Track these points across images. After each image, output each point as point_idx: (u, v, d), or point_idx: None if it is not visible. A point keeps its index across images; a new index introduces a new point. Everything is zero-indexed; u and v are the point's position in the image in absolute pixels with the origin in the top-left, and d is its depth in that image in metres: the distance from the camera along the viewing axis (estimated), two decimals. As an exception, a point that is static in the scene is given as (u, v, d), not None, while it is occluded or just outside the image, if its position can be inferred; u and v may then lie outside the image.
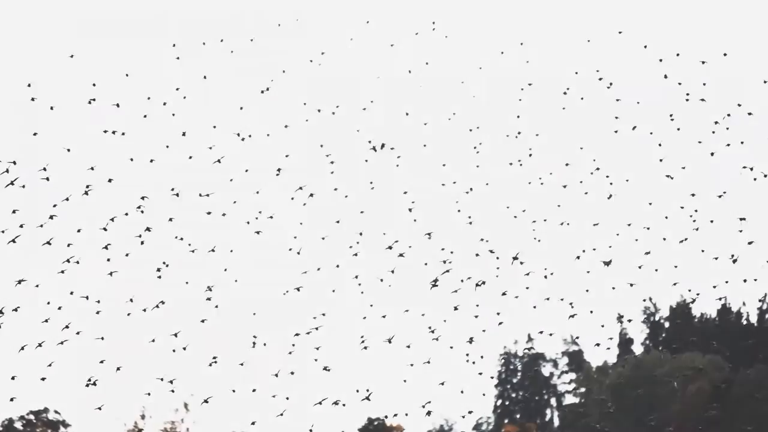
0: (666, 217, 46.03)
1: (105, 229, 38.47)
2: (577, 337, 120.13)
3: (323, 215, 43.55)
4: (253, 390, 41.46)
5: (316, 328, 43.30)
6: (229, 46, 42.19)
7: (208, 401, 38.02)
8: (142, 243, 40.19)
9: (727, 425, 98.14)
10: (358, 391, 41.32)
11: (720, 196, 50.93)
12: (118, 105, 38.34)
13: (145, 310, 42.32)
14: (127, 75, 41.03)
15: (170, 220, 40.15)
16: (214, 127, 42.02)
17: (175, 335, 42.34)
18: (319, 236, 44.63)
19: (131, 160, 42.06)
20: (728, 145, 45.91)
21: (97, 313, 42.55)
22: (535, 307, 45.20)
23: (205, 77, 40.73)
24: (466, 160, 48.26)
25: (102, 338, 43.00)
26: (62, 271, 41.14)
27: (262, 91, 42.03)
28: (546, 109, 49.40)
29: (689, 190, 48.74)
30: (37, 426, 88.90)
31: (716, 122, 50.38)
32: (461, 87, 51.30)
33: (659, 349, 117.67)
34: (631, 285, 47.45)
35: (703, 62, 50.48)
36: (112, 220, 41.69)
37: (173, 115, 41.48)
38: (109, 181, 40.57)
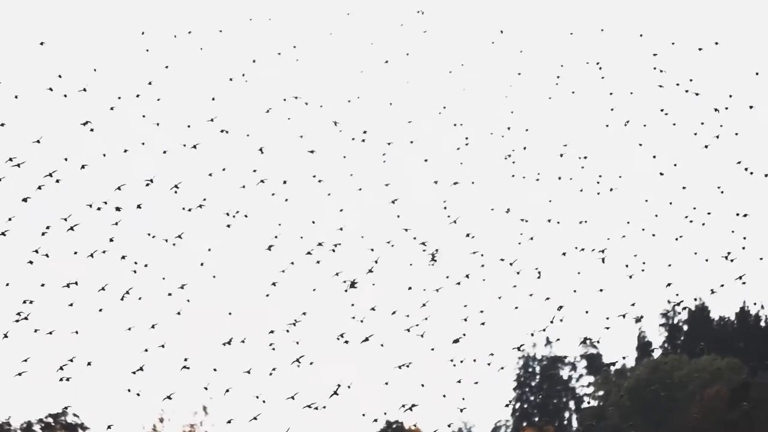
0: (656, 215, 44.46)
1: (72, 229, 37.36)
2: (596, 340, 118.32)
3: (303, 213, 42.50)
4: (227, 391, 40.37)
5: (294, 324, 42.18)
6: (198, 38, 41.16)
7: (171, 397, 36.92)
8: (110, 240, 39.11)
9: (745, 428, 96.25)
10: (339, 385, 40.11)
11: (723, 191, 49.30)
12: (85, 89, 37.24)
13: (122, 298, 41.33)
14: (95, 70, 40.06)
15: (139, 206, 39.09)
16: (189, 126, 40.89)
17: (153, 327, 41.43)
18: (297, 235, 43.46)
19: (104, 155, 41.04)
20: (717, 136, 44.31)
21: (71, 305, 41.65)
22: (516, 308, 43.81)
23: (167, 67, 39.72)
24: (454, 156, 47.13)
25: (77, 332, 42.17)
26: (31, 262, 40.26)
27: (231, 79, 40.93)
28: (536, 103, 48.20)
29: (685, 187, 47.24)
30: (55, 429, 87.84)
31: (716, 109, 48.84)
32: (450, 80, 50.03)
33: (678, 352, 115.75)
34: (630, 276, 45.96)
35: (700, 49, 49.10)
36: (90, 206, 40.82)
37: (144, 116, 40.47)
38: (83, 167, 39.50)
